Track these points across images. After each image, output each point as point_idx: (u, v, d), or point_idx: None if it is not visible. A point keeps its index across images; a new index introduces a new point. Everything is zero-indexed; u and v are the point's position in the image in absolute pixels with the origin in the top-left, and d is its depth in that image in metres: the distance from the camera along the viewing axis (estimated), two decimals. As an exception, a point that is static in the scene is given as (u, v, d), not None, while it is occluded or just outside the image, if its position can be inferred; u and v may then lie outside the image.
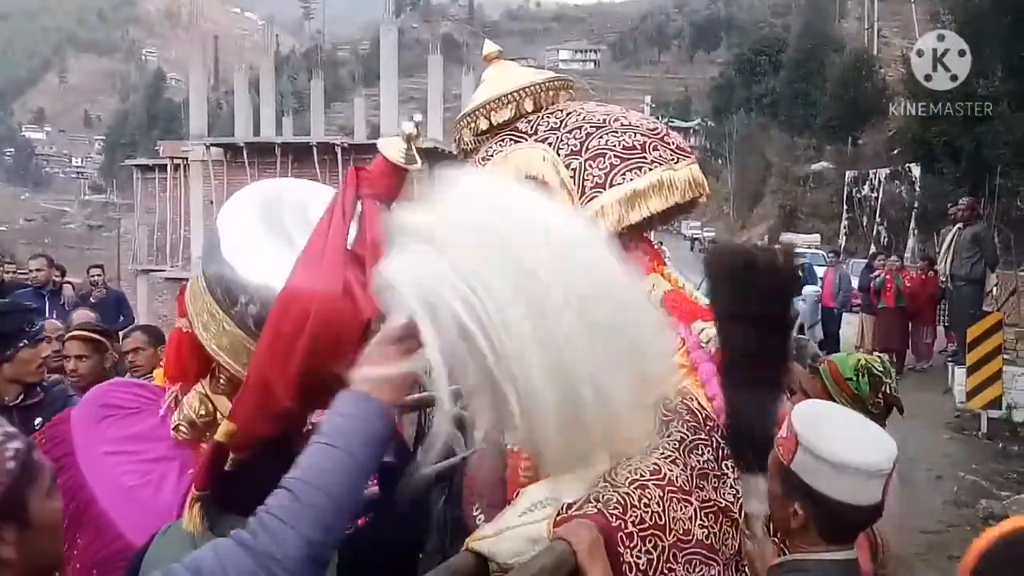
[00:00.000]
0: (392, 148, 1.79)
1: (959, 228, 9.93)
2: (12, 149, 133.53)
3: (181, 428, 2.07)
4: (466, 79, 28.68)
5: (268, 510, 1.23)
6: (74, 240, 79.85)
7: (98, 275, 9.45)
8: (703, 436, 1.92)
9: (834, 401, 2.40)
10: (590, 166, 2.04)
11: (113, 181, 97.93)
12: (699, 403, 1.96)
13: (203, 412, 2.00)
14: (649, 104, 42.54)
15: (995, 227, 16.88)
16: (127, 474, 2.23)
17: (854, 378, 2.49)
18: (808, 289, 13.28)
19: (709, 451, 1.90)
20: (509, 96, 2.17)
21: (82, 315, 4.70)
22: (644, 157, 2.05)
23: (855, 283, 13.62)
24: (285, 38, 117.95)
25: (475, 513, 2.28)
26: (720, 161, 49.54)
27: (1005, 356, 8.64)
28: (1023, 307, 13.91)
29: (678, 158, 2.09)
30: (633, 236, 2.08)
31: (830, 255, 14.98)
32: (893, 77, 39.44)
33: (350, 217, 1.72)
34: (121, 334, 4.35)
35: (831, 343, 13.13)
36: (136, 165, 27.42)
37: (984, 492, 6.57)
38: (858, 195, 34.54)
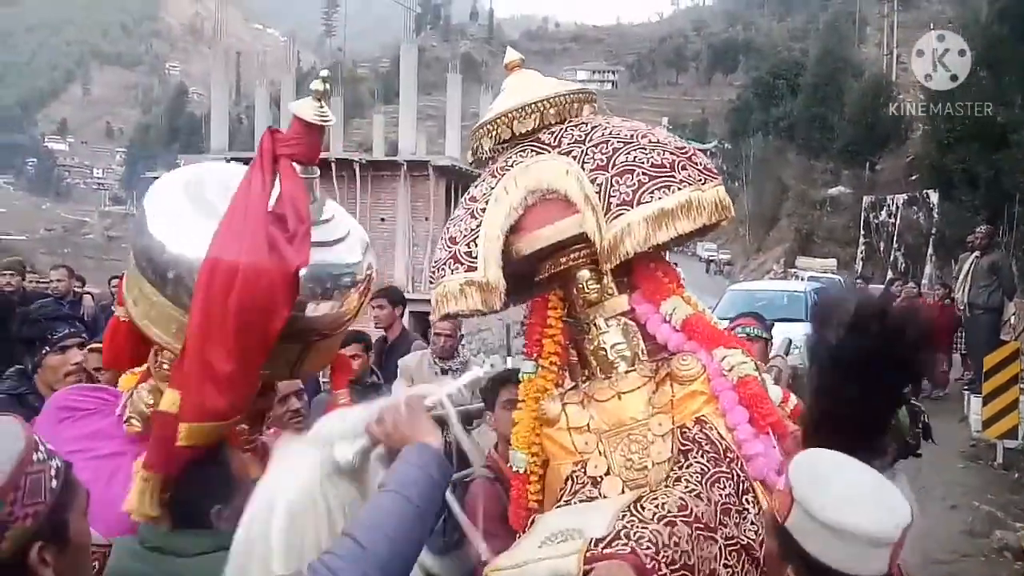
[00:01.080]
0: (305, 108, 1.78)
1: (977, 256, 9.88)
2: (34, 159, 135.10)
3: (133, 420, 2.09)
4: (484, 98, 28.89)
5: (335, 552, 1.29)
6: (93, 250, 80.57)
7: (119, 286, 9.59)
8: (724, 468, 1.88)
9: None
10: (617, 182, 1.99)
11: (133, 193, 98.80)
12: (719, 432, 1.93)
13: (153, 403, 1.99)
14: (666, 125, 42.41)
15: (1013, 255, 16.80)
16: (80, 471, 2.21)
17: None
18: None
19: (730, 484, 1.87)
20: (533, 106, 2.12)
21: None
22: (673, 176, 2.00)
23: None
24: (306, 55, 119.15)
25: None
26: (737, 183, 49.48)
27: (1022, 386, 8.56)
28: (1041, 336, 13.82)
29: (706, 179, 2.05)
30: (653, 257, 2.07)
31: (845, 281, 14.86)
32: (911, 103, 39.40)
33: (269, 177, 1.74)
34: None
35: None
36: (156, 178, 27.69)
37: (999, 523, 6.51)
38: (875, 220, 34.40)
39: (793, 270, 31.29)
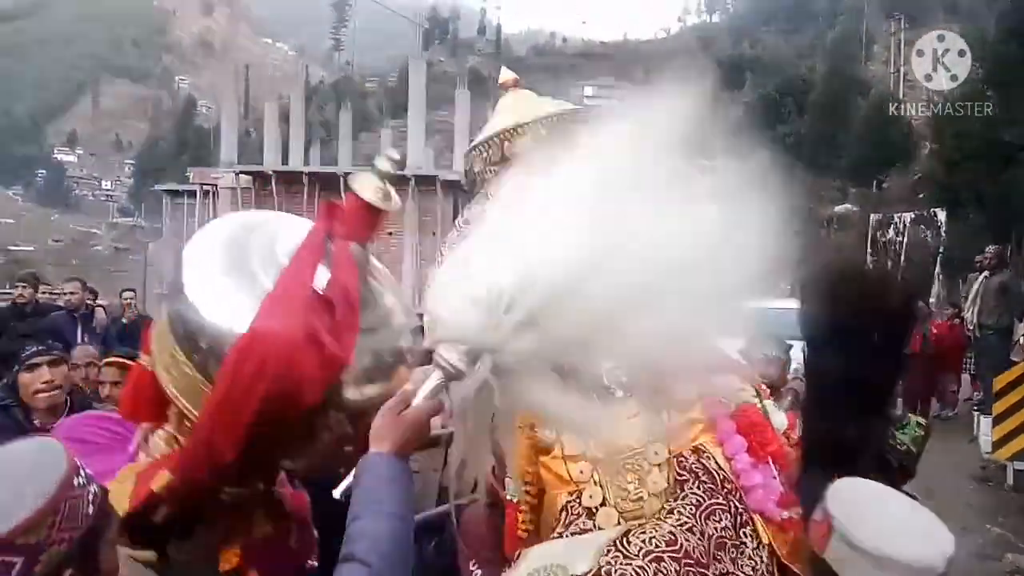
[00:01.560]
0: (366, 186, 1.68)
1: (986, 276, 9.87)
2: (44, 171, 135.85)
3: None
4: (492, 114, 29.06)
5: None
6: (101, 262, 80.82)
7: (131, 298, 9.64)
8: (720, 500, 1.83)
9: None
10: None
11: (142, 205, 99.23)
12: (716, 463, 1.87)
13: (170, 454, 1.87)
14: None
15: (1021, 275, 16.78)
16: None
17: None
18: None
19: (727, 517, 1.81)
20: (527, 126, 2.06)
21: (84, 350, 4.66)
22: None
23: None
24: (314, 69, 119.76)
25: (472, 569, 2.23)
26: (743, 200, 49.47)
27: (1032, 407, 8.53)
28: (1050, 356, 13.77)
29: None
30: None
31: None
32: (919, 121, 39.50)
33: (318, 258, 1.64)
34: None
35: None
36: (166, 190, 27.86)
37: (1011, 546, 6.48)
38: (882, 238, 34.37)
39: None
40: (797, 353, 5.58)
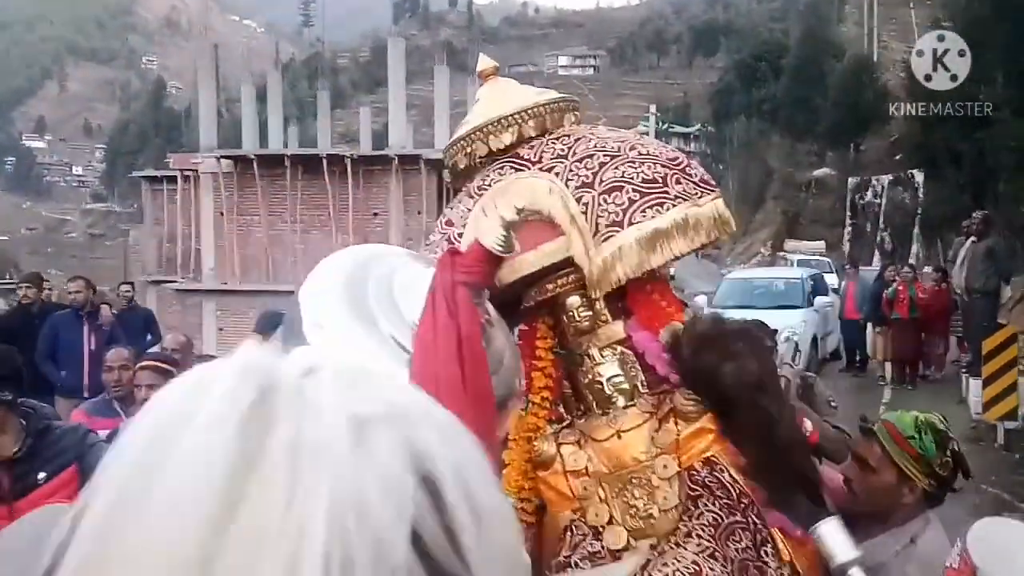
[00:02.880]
0: (490, 234, 1.61)
1: (974, 241, 10.08)
2: (13, 158, 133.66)
3: None
4: (471, 89, 28.91)
5: None
6: (76, 249, 79.95)
7: (128, 291, 9.62)
8: (739, 517, 1.72)
9: (896, 464, 2.14)
10: (604, 200, 1.79)
11: (115, 190, 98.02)
12: (731, 475, 1.76)
13: None
14: (655, 113, 42.54)
15: (1000, 234, 17.06)
16: None
17: (916, 436, 2.17)
18: (820, 300, 13.41)
19: (747, 536, 1.70)
20: (510, 118, 1.91)
21: (118, 353, 4.67)
22: (666, 191, 1.81)
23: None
24: (284, 45, 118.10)
25: None
26: (721, 167, 49.69)
27: (1020, 367, 8.77)
28: (1031, 314, 14.09)
29: (702, 192, 1.84)
30: (650, 278, 1.85)
31: (848, 267, 14.93)
32: (893, 82, 39.71)
33: (455, 308, 1.63)
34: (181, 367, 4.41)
35: (855, 354, 13.26)
36: (145, 176, 27.57)
37: (1006, 505, 6.70)
38: (861, 201, 34.75)
39: (781, 253, 31.54)
40: (776, 323, 5.55)
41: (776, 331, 3.90)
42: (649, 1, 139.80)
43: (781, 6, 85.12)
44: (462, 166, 1.94)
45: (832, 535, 1.49)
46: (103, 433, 3.61)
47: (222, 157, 22.17)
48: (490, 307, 1.83)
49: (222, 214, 21.97)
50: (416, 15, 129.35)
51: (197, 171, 22.89)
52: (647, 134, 42.03)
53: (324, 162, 21.29)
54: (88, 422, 3.74)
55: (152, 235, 26.22)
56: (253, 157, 21.89)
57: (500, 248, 1.57)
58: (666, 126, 63.97)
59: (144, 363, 3.97)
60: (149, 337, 8.83)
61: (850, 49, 45.95)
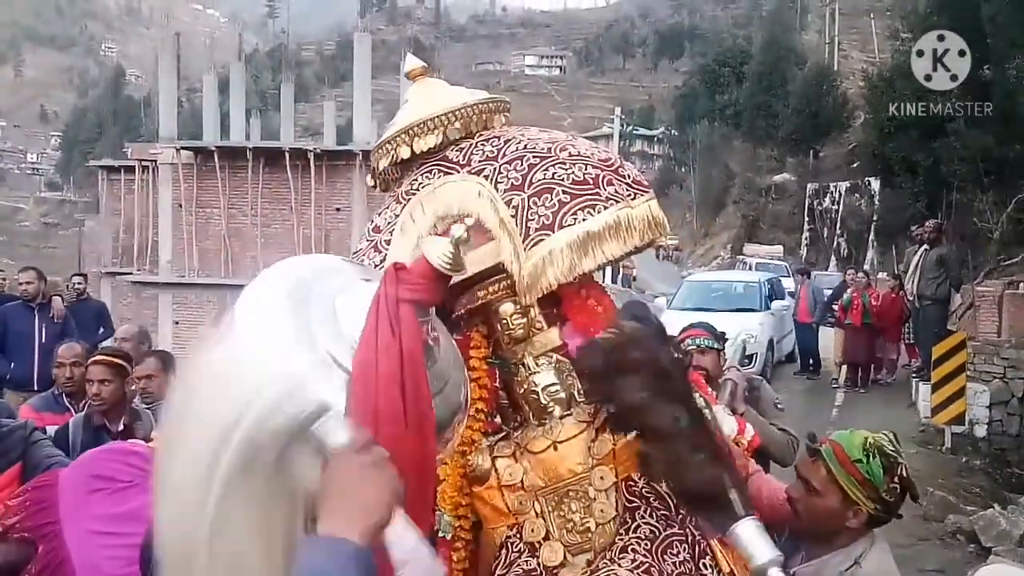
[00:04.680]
0: (435, 251, 1.56)
1: (925, 249, 10.30)
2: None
3: None
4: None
5: None
6: (30, 238, 78.22)
7: (80, 283, 9.43)
8: (676, 529, 1.67)
9: (841, 488, 2.09)
10: (534, 203, 1.73)
11: (70, 179, 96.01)
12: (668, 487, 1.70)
13: None
14: (619, 116, 42.73)
15: (952, 242, 17.47)
16: (111, 560, 2.05)
17: (863, 460, 2.10)
18: (777, 304, 13.63)
19: (685, 548, 1.65)
20: (435, 120, 1.83)
21: (70, 348, 4.57)
22: (597, 193, 1.74)
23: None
24: (248, 36, 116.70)
25: None
26: (684, 169, 50.22)
27: (968, 374, 9.00)
28: (980, 321, 14.44)
29: (636, 193, 1.77)
30: (584, 283, 1.80)
31: (801, 274, 15.21)
32: (853, 90, 40.42)
33: (398, 328, 1.51)
34: (134, 359, 4.31)
35: (809, 357, 13.50)
36: (102, 166, 27.08)
37: (952, 507, 6.88)
38: (819, 207, 35.34)
39: (741, 257, 31.97)
40: (733, 326, 5.61)
41: (723, 333, 3.84)
42: (616, 4, 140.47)
43: (745, 13, 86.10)
44: (383, 167, 1.88)
45: (750, 536, 1.46)
46: (51, 430, 3.55)
47: (182, 148, 21.86)
48: (437, 323, 1.68)
49: (180, 206, 21.66)
50: (383, 10, 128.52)
51: (156, 162, 22.54)
52: (612, 135, 42.24)
53: (287, 155, 21.10)
54: (36, 418, 3.66)
55: (108, 226, 25.78)
56: (214, 148, 21.63)
57: (447, 266, 1.52)
58: (631, 128, 64.43)
59: (96, 358, 3.89)
60: (101, 330, 8.67)
61: (811, 57, 46.64)
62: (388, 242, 1.81)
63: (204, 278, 21.19)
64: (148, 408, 4.09)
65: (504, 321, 1.78)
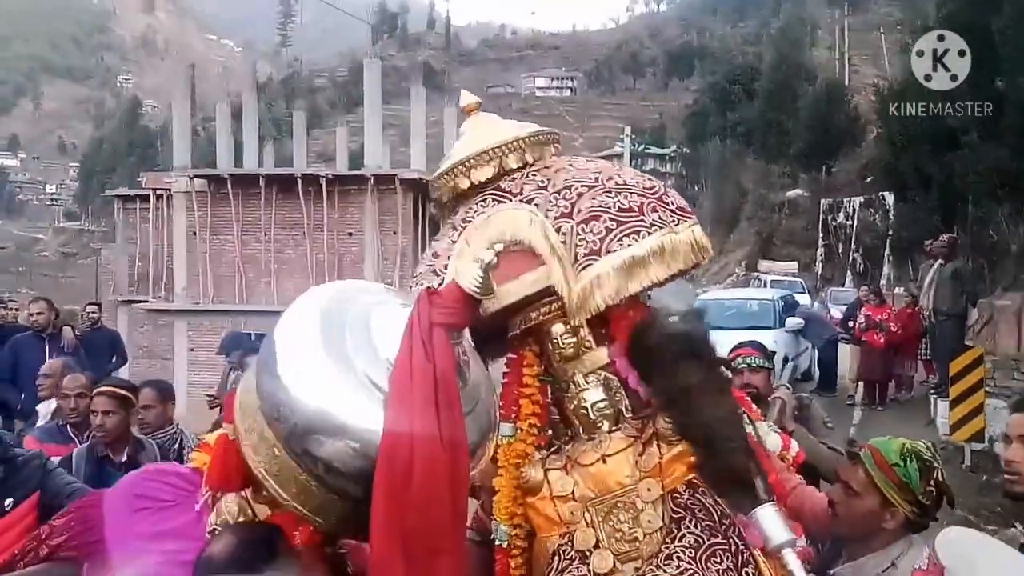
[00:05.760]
0: (467, 275, 1.69)
1: (940, 264, 10.18)
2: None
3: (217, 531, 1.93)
4: (448, 109, 28.96)
5: None
6: (48, 268, 78.94)
7: (94, 312, 9.48)
8: (720, 539, 1.75)
9: (879, 490, 2.22)
10: (582, 230, 1.85)
11: (88, 208, 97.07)
12: (713, 498, 1.80)
13: (242, 519, 1.88)
14: (630, 135, 42.79)
15: (969, 257, 17.29)
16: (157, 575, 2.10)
17: (901, 463, 2.22)
18: (790, 320, 13.52)
19: (728, 557, 1.73)
20: (491, 152, 1.98)
21: (75, 379, 4.59)
22: (642, 220, 1.86)
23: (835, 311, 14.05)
24: (262, 65, 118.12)
25: None
26: (696, 188, 50.09)
27: (987, 389, 8.86)
28: (999, 336, 14.25)
29: (679, 219, 1.90)
30: (631, 303, 1.91)
31: (821, 288, 15.17)
32: (864, 106, 40.31)
33: (431, 350, 1.64)
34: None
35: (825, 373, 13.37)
36: (117, 195, 27.30)
37: (973, 527, 6.72)
38: (833, 223, 35.13)
39: (756, 273, 31.82)
40: (780, 360, 5.62)
41: (773, 353, 4.15)
42: (625, 24, 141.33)
43: (754, 31, 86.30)
44: (446, 199, 2.03)
45: (768, 519, 1.56)
46: (55, 460, 3.54)
47: (195, 176, 22.04)
48: (467, 345, 1.85)
49: (195, 233, 21.81)
50: (394, 36, 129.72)
51: (170, 190, 22.72)
52: (622, 155, 42.32)
53: (299, 181, 21.22)
54: (40, 448, 3.65)
55: (124, 254, 25.92)
56: (227, 176, 21.78)
57: (477, 290, 1.67)
58: (642, 147, 64.40)
59: (100, 389, 3.90)
60: (115, 359, 8.71)
61: (822, 73, 46.63)
62: (446, 267, 1.94)
63: (219, 304, 21.28)
64: (146, 436, 4.15)
65: (555, 340, 1.90)
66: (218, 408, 5.08)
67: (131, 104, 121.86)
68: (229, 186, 21.52)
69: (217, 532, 1.89)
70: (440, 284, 1.89)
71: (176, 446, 4.20)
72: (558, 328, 1.88)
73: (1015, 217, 22.40)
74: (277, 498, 1.71)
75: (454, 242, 1.96)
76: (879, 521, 2.20)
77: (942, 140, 23.34)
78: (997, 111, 21.15)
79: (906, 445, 2.26)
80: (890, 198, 30.48)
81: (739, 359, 3.71)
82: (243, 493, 1.89)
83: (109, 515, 2.16)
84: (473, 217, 1.96)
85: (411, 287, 2.05)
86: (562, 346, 1.89)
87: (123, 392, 3.86)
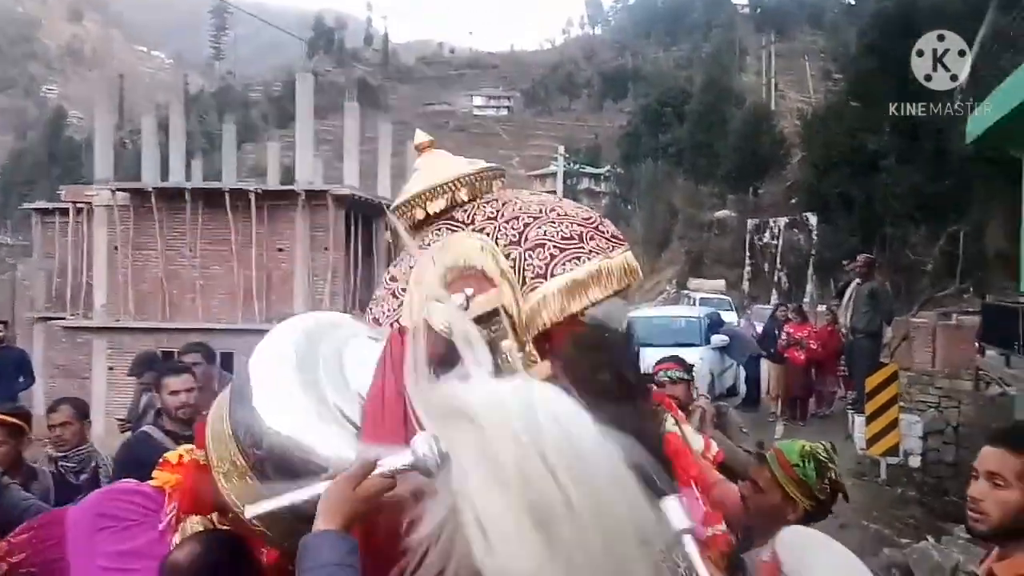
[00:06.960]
0: (438, 315, 1.78)
1: (857, 283, 10.46)
2: None
3: None
4: (383, 126, 28.74)
5: None
6: (-38, 283, 75.71)
7: (1, 330, 9.09)
8: None
9: (781, 487, 2.48)
10: (530, 256, 2.06)
11: (7, 223, 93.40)
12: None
13: None
14: (563, 155, 43.17)
15: (887, 276, 17.91)
16: None
17: (801, 464, 2.49)
18: (716, 338, 13.73)
19: None
20: (445, 186, 2.18)
21: None
22: (582, 247, 2.08)
23: (759, 329, 14.29)
24: (194, 78, 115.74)
25: None
26: (629, 207, 50.85)
27: (901, 404, 9.11)
28: (914, 352, 14.74)
29: (613, 246, 2.12)
30: (570, 322, 2.08)
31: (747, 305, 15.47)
32: (790, 129, 41.57)
33: (402, 385, 1.69)
34: (47, 407, 4.21)
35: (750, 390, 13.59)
36: (35, 209, 26.33)
37: (886, 540, 6.88)
38: (760, 242, 36.07)
39: (685, 291, 32.36)
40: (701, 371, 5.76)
41: (693, 366, 4.52)
42: (561, 46, 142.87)
43: (686, 55, 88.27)
44: (401, 230, 2.21)
45: (671, 508, 1.67)
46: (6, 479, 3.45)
47: (118, 190, 21.40)
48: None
49: (116, 248, 21.13)
50: (331, 52, 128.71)
51: (91, 204, 22.02)
52: (555, 174, 42.59)
53: (227, 196, 20.78)
54: None
55: (41, 269, 25.00)
56: (151, 190, 21.21)
57: (446, 331, 1.76)
58: (577, 167, 65.11)
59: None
60: (22, 379, 8.37)
61: (749, 97, 47.95)
62: (404, 290, 2.11)
63: (141, 322, 20.65)
64: (63, 455, 4.07)
65: (503, 355, 2.00)
66: (129, 432, 4.97)
67: (55, 115, 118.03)
68: (153, 200, 20.94)
69: (182, 540, 1.94)
70: (399, 306, 2.09)
71: (92, 465, 4.13)
72: (507, 344, 2.00)
73: (930, 238, 23.34)
74: (247, 523, 1.73)
75: (411, 267, 2.11)
76: (783, 514, 2.44)
77: (863, 164, 24.22)
78: (913, 138, 22.06)
79: (805, 447, 2.54)
80: (813, 219, 31.46)
81: (661, 372, 4.05)
82: (210, 516, 1.94)
83: (71, 533, 2.18)
84: (429, 244, 2.13)
85: (370, 309, 2.22)
86: (511, 360, 2.00)
87: (13, 420, 3.69)
